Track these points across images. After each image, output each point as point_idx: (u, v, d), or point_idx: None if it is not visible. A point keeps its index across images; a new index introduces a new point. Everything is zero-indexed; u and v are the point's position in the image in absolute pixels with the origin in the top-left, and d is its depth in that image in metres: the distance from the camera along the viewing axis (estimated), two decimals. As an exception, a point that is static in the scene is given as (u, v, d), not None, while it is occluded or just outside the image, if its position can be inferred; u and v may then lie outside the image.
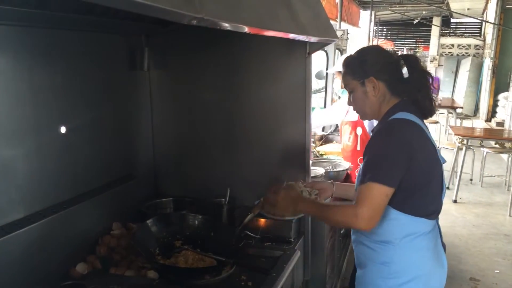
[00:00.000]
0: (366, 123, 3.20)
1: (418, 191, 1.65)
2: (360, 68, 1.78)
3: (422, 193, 1.67)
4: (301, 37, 1.75)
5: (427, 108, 1.77)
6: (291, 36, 1.62)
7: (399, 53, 1.88)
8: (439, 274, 1.78)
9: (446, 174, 7.01)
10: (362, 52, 1.85)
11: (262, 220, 2.12)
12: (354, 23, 12.39)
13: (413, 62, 1.77)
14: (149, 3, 0.72)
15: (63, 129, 1.83)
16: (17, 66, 1.61)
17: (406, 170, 1.61)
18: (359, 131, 3.24)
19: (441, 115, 11.74)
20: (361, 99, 1.81)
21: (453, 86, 15.87)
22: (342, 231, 3.34)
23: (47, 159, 1.77)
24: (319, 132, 4.27)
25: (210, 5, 0.95)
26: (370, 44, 12.66)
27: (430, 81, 1.79)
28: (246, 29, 1.21)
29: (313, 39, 1.89)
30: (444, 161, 1.79)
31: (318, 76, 4.76)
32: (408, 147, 1.62)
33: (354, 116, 3.18)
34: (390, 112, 1.75)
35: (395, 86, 1.76)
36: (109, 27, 2.02)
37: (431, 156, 1.70)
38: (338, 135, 4.17)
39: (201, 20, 0.89)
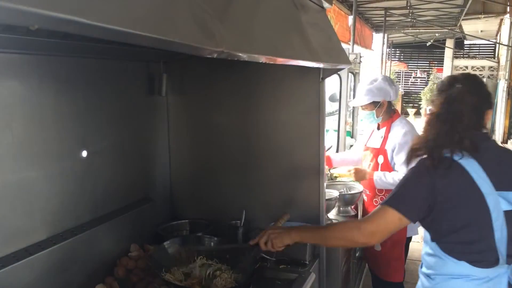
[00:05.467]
0: (389, 152, 3.05)
1: (449, 234, 1.63)
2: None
3: (455, 238, 1.63)
4: (314, 64, 1.80)
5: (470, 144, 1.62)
6: (305, 63, 1.67)
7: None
8: None
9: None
10: (448, 103, 1.71)
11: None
12: (367, 45, 12.48)
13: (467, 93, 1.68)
14: (173, 39, 0.77)
15: (84, 153, 1.89)
16: (42, 93, 1.69)
17: (427, 207, 1.60)
18: (380, 159, 3.10)
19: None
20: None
21: (467, 108, 15.74)
22: (357, 254, 3.33)
23: (68, 182, 1.83)
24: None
25: (229, 38, 1.00)
26: (383, 66, 12.69)
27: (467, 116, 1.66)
28: (263, 59, 1.26)
29: (326, 65, 1.94)
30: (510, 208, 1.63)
31: (332, 99, 4.80)
32: (430, 186, 1.59)
33: (378, 143, 3.13)
34: (446, 146, 1.67)
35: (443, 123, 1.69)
36: (129, 55, 2.10)
37: (466, 202, 1.61)
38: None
39: (221, 53, 0.94)
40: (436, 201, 1.59)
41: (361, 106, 3.16)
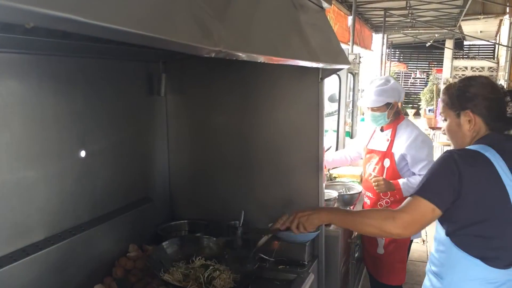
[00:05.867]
0: (397, 156, 2.98)
1: (468, 226, 1.60)
2: (458, 98, 1.72)
3: (474, 231, 1.60)
4: (313, 64, 1.80)
5: None
6: (304, 63, 1.67)
7: (506, 88, 1.79)
8: None
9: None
10: (465, 82, 1.77)
11: (276, 243, 2.14)
12: (367, 46, 12.48)
13: None
14: (171, 39, 0.77)
15: (83, 153, 1.89)
16: (42, 92, 1.68)
17: (453, 199, 1.58)
18: (386, 163, 3.02)
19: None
20: (453, 131, 1.77)
21: (467, 108, 15.73)
22: (356, 255, 3.32)
23: (67, 182, 1.83)
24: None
25: (227, 37, 1.00)
26: (383, 67, 12.71)
27: None
28: (262, 59, 1.26)
29: (325, 65, 1.94)
30: None
31: (331, 99, 4.80)
32: (458, 174, 1.57)
33: (383, 146, 3.06)
34: (475, 143, 1.69)
35: (494, 122, 1.69)
36: (128, 55, 2.10)
37: (489, 195, 1.59)
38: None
39: (219, 52, 0.94)
40: (461, 190, 1.56)
41: (373, 107, 3.07)
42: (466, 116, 1.70)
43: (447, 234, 1.65)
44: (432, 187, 1.62)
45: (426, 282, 1.80)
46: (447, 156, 1.64)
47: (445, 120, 1.80)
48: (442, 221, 1.67)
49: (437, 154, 3.16)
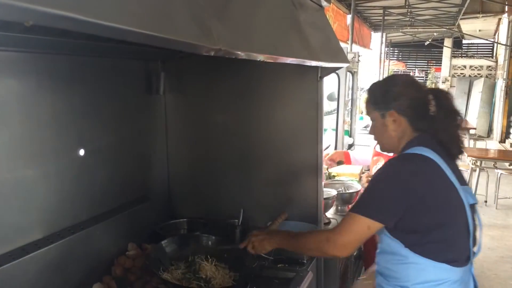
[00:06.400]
0: None
1: (430, 233, 1.55)
2: (383, 98, 1.67)
3: (437, 236, 1.55)
4: (313, 63, 1.80)
5: (452, 150, 1.64)
6: (303, 62, 1.67)
7: (429, 86, 1.77)
8: None
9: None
10: (389, 81, 1.75)
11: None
12: (366, 45, 12.48)
13: (442, 98, 1.65)
14: (171, 37, 0.77)
15: (81, 152, 1.88)
16: (40, 91, 1.68)
17: (404, 208, 1.52)
18: None
19: (454, 136, 11.63)
20: (379, 131, 1.72)
21: (466, 107, 15.79)
22: (355, 253, 3.32)
23: (65, 181, 1.82)
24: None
25: (227, 36, 1.00)
26: (381, 65, 12.71)
27: (459, 121, 1.67)
28: (261, 57, 1.26)
29: (324, 64, 1.94)
30: (474, 202, 1.63)
31: (330, 98, 4.80)
32: (404, 185, 1.53)
33: None
34: (407, 146, 1.64)
35: (418, 122, 1.65)
36: (127, 53, 2.09)
37: (445, 196, 1.57)
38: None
39: (219, 51, 0.94)
40: (416, 198, 1.51)
41: None
42: (391, 116, 1.66)
43: (408, 246, 1.57)
44: (374, 203, 1.57)
45: None
46: (390, 167, 1.60)
47: (372, 121, 1.75)
48: (395, 234, 1.59)
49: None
